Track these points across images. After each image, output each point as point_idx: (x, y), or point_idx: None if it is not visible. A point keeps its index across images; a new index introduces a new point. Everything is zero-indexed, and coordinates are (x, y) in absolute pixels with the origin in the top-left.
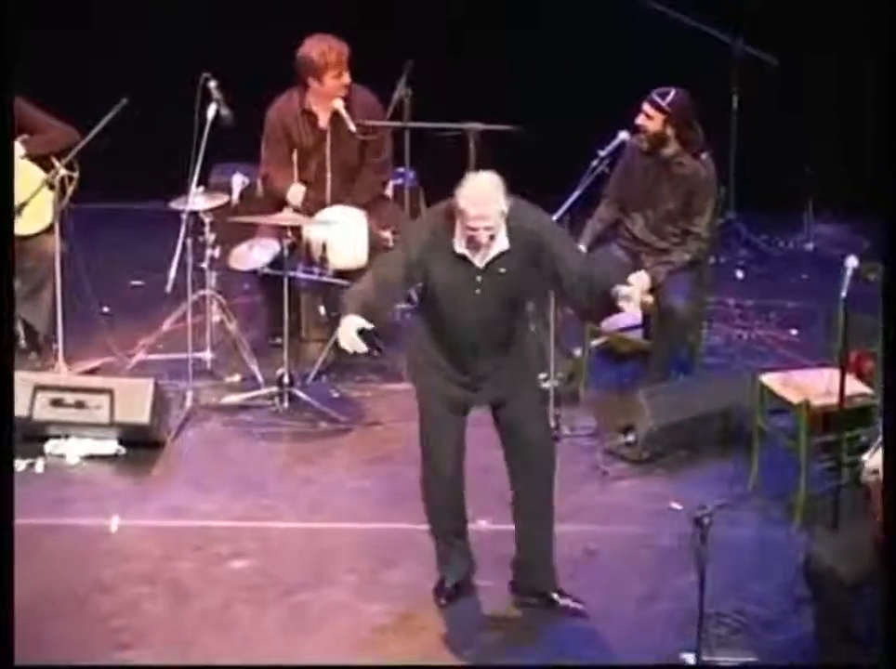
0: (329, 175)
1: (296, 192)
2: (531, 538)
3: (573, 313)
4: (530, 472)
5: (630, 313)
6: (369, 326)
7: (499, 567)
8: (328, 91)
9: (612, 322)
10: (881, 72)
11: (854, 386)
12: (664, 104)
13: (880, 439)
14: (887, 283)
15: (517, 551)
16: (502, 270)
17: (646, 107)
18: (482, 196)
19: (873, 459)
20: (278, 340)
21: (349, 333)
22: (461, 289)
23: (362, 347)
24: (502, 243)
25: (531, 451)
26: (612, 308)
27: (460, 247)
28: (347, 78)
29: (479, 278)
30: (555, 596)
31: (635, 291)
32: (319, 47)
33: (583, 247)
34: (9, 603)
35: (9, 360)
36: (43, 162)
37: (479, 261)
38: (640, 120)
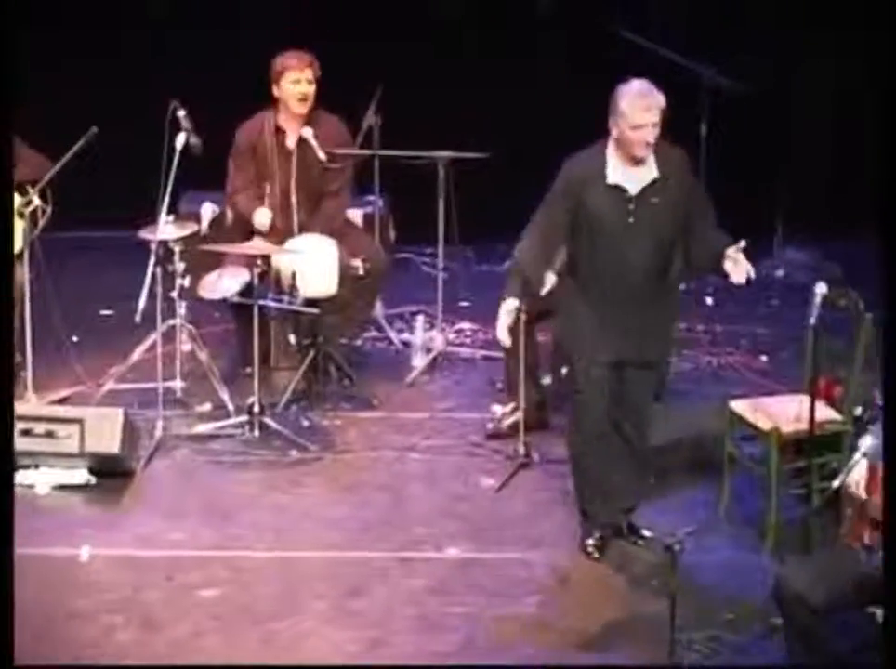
0: (295, 198)
1: (262, 216)
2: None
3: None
4: (630, 443)
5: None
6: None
7: (470, 595)
8: (286, 98)
9: None
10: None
11: (824, 412)
12: None
13: (854, 460)
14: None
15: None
16: (654, 200)
17: None
18: (645, 89)
19: (854, 473)
20: (248, 369)
21: (504, 324)
22: (614, 218)
23: (507, 342)
24: (652, 170)
25: (633, 425)
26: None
27: (613, 177)
28: (306, 87)
29: (631, 206)
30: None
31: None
32: (282, 54)
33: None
34: (10, 603)
35: (9, 380)
36: (18, 189)
37: (632, 189)
38: None
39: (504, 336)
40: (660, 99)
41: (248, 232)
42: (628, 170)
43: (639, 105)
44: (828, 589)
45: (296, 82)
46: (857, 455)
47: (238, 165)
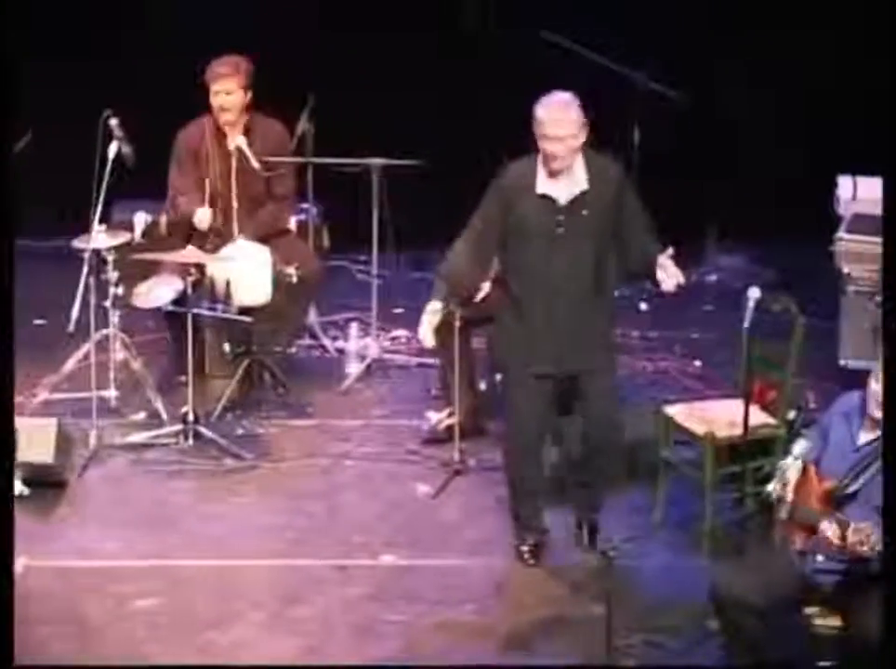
0: (236, 202)
1: (203, 215)
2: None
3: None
4: (595, 449)
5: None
6: (448, 308)
7: (407, 602)
8: (214, 106)
9: None
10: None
11: (758, 416)
12: None
13: (786, 463)
14: (886, 298)
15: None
16: (584, 212)
17: None
18: (561, 103)
19: (787, 475)
20: (182, 378)
21: (427, 325)
22: (543, 228)
23: (430, 343)
24: (581, 182)
25: (597, 432)
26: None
27: (542, 187)
28: (223, 99)
29: (560, 216)
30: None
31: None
32: (215, 60)
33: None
34: (9, 603)
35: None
36: None
37: (562, 200)
38: None
39: (426, 337)
40: (574, 115)
41: (183, 241)
42: (558, 181)
43: (551, 118)
44: (765, 592)
45: (214, 94)
46: (789, 459)
47: (180, 169)
